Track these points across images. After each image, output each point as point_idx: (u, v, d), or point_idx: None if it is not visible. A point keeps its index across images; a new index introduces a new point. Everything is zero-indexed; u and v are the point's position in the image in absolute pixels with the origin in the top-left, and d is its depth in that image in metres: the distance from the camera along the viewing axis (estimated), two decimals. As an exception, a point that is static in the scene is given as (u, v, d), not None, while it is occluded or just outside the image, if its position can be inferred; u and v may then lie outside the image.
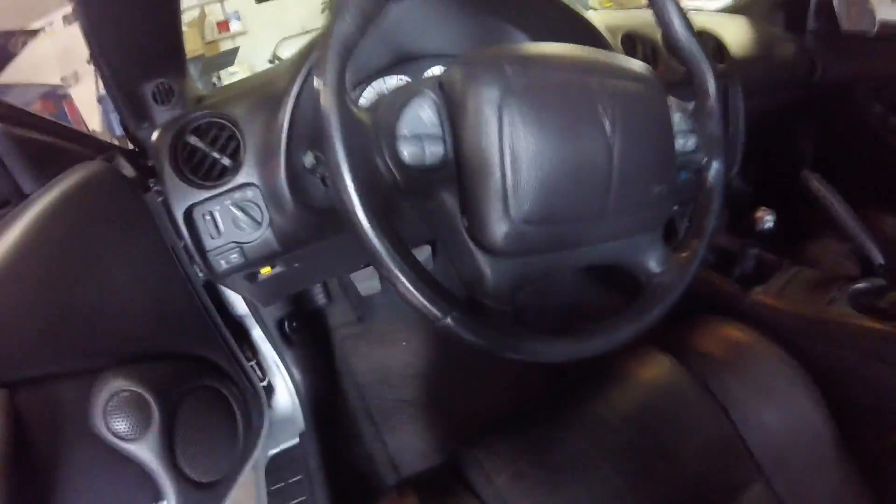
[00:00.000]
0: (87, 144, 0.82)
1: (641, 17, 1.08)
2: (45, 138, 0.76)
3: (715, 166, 0.70)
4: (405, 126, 0.57)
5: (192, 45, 4.31)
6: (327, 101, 0.51)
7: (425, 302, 0.52)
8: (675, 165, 0.67)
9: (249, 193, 0.76)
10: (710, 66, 0.69)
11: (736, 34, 1.27)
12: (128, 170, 0.73)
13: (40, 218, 0.63)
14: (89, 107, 4.28)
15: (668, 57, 1.08)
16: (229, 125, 0.77)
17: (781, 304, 1.10)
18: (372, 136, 0.57)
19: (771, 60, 1.34)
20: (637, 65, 0.64)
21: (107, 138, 0.89)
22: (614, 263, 0.68)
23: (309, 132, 0.73)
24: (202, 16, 4.78)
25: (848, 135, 1.48)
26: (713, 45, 1.22)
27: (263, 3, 5.30)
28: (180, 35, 0.77)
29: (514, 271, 0.59)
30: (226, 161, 0.76)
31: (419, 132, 0.57)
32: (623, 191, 0.59)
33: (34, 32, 3.61)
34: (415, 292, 0.51)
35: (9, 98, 3.21)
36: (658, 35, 1.08)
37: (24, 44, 3.53)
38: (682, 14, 0.68)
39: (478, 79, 0.55)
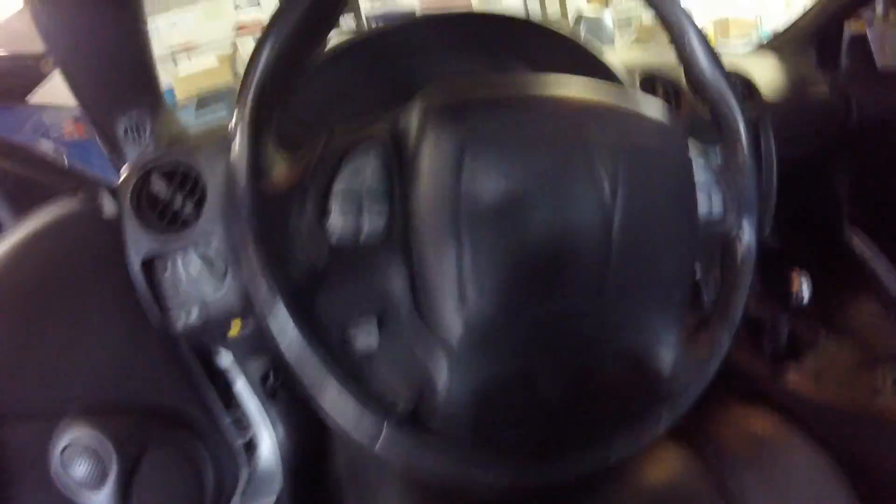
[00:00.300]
0: (72, 180, 0.79)
1: (667, 56, 0.99)
2: (26, 171, 0.73)
3: (746, 233, 0.56)
4: (342, 182, 0.46)
5: (223, 78, 4.43)
6: (236, 152, 0.42)
7: (350, 421, 0.42)
8: (697, 234, 0.54)
9: (214, 245, 0.66)
10: (741, 108, 0.57)
11: (765, 73, 1.16)
12: (109, 209, 0.69)
13: (11, 255, 0.62)
14: None
15: (693, 99, 0.99)
16: (196, 169, 0.69)
17: (817, 392, 0.96)
18: (296, 194, 0.46)
19: (804, 101, 1.22)
20: (652, 106, 0.52)
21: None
22: (611, 363, 0.55)
23: None
24: (234, 50, 4.95)
25: (889, 183, 1.35)
26: (742, 86, 1.09)
27: (296, 41, 5.47)
28: (151, 66, 0.73)
29: (476, 377, 0.47)
30: (188, 209, 0.68)
31: (359, 191, 0.46)
32: (625, 269, 0.48)
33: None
34: (337, 407, 0.40)
35: (41, 118, 3.32)
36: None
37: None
38: (708, 47, 0.57)
39: (437, 125, 0.44)
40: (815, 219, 1.47)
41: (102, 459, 0.57)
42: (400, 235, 0.47)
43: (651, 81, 0.92)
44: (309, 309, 0.43)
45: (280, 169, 0.46)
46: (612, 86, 0.55)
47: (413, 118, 0.46)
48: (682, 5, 0.59)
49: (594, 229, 0.46)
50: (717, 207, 0.58)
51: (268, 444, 1.02)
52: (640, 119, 0.50)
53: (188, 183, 0.68)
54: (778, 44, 1.36)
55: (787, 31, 1.33)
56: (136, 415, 0.64)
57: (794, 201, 1.40)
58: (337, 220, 0.46)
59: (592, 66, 0.82)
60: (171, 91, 4.54)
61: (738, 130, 0.57)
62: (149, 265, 0.67)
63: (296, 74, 0.47)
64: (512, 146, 0.43)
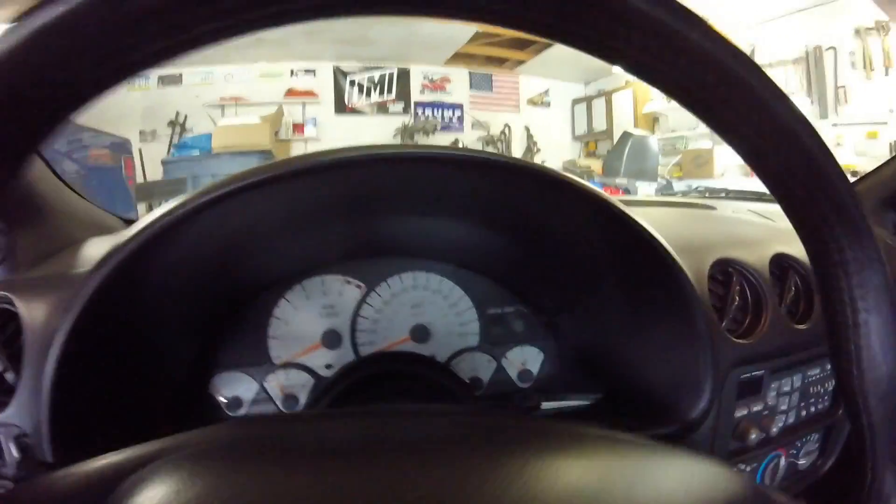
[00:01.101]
0: None
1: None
2: None
3: None
4: None
5: (262, 140, 4.45)
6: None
7: None
8: None
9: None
10: None
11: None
12: None
13: None
14: (157, 165, 4.62)
15: None
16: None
17: None
18: None
19: None
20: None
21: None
22: None
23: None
24: (279, 113, 5.04)
25: None
26: None
27: (342, 116, 5.62)
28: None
29: None
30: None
31: None
32: None
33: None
34: None
35: (80, 139, 3.29)
36: None
37: None
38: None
39: None
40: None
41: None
42: None
43: (782, 266, 0.62)
44: None
45: None
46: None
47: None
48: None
49: None
50: None
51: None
52: None
53: (7, 331, 0.49)
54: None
55: (861, 181, 0.99)
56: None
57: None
58: None
59: (629, 237, 0.49)
60: (208, 136, 4.58)
61: None
62: None
63: None
64: None
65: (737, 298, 0.56)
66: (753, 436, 0.53)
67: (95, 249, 0.41)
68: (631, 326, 0.56)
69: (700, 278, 0.52)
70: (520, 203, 0.52)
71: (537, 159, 5.59)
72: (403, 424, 0.24)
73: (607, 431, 0.27)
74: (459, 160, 0.43)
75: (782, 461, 0.59)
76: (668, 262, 0.47)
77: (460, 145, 5.36)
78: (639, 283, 0.52)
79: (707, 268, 0.54)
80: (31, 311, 0.46)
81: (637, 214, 0.46)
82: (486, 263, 0.68)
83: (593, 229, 0.51)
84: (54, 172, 0.69)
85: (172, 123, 4.92)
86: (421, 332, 0.67)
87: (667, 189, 3.29)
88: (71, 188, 0.72)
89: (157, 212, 0.39)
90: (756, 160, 0.26)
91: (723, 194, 1.17)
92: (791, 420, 0.59)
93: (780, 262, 0.60)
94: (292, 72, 5.31)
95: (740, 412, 0.54)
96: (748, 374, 0.54)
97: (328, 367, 0.65)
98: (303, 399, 0.64)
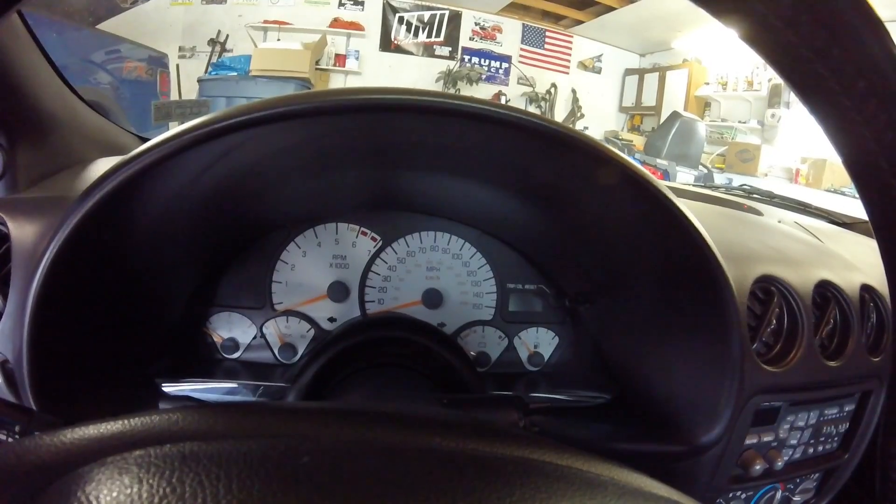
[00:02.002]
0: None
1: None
2: None
3: None
4: None
5: (301, 66, 4.37)
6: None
7: None
8: None
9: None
10: None
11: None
12: None
13: None
14: (193, 82, 4.61)
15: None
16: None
17: None
18: None
19: None
20: None
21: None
22: None
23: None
24: (322, 42, 4.93)
25: None
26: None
27: (385, 53, 5.48)
28: (2, 88, 0.56)
29: None
30: None
31: None
32: None
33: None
34: None
35: (118, 50, 3.26)
36: None
37: (135, 3, 3.66)
38: None
39: None
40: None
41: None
42: None
43: (824, 294, 0.57)
44: None
45: None
46: None
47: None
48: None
49: None
50: None
51: None
52: None
53: None
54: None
55: None
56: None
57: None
58: None
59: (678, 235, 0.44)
60: (248, 58, 4.51)
61: None
62: None
63: None
64: None
65: (774, 322, 0.52)
66: (758, 466, 0.51)
67: (100, 170, 0.38)
68: (658, 330, 0.52)
69: (741, 293, 0.47)
70: (560, 175, 0.47)
71: (579, 125, 5.42)
72: (379, 457, 0.21)
73: (615, 474, 0.23)
74: (501, 119, 0.38)
75: (778, 494, 0.57)
76: (714, 270, 0.42)
77: (503, 99, 5.21)
78: (676, 285, 0.48)
79: (750, 282, 0.50)
80: (22, 233, 0.44)
81: (687, 209, 0.41)
82: (514, 234, 0.64)
83: (635, 216, 0.46)
84: (67, 84, 0.65)
85: (213, 42, 4.85)
86: (433, 297, 0.64)
87: (707, 180, 3.16)
88: (86, 102, 0.70)
89: (163, 136, 0.36)
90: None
91: (768, 198, 1.10)
92: (797, 456, 0.56)
93: (824, 290, 0.56)
94: (340, 1, 5.15)
95: (750, 440, 0.51)
96: (767, 404, 0.50)
97: (331, 320, 0.63)
98: (301, 350, 0.62)
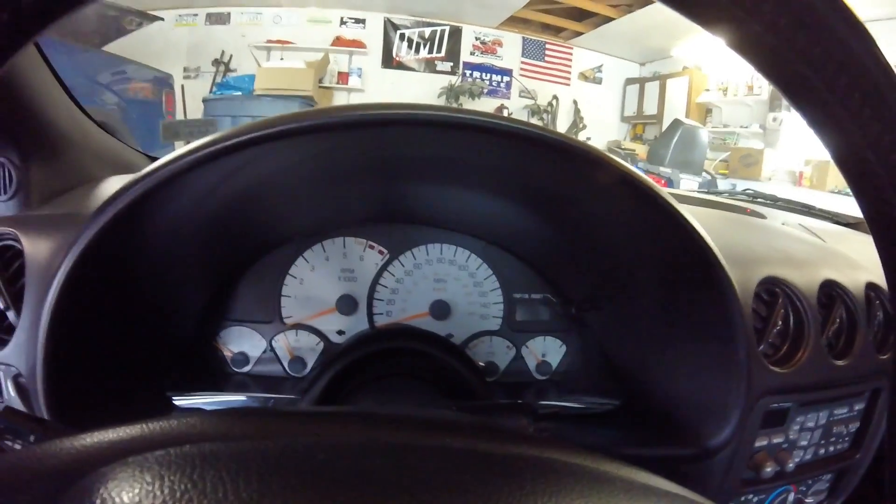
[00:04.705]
0: None
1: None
2: None
3: None
4: None
5: (305, 84, 4.42)
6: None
7: None
8: None
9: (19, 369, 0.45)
10: None
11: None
12: None
13: None
14: (198, 102, 4.61)
15: None
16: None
17: None
18: None
19: None
20: None
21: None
22: None
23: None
24: (325, 60, 4.99)
25: None
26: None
27: (388, 69, 5.53)
28: (15, 108, 0.57)
29: None
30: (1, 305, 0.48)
31: None
32: None
33: (152, 17, 3.76)
34: None
35: (123, 71, 3.31)
36: None
37: (140, 24, 3.72)
38: None
39: None
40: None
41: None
42: None
43: (829, 294, 0.57)
44: None
45: None
46: None
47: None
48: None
49: None
50: None
51: None
52: None
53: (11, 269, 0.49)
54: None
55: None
56: None
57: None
58: None
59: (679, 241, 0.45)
60: (251, 77, 4.57)
61: None
62: None
63: None
64: None
65: (780, 323, 0.52)
66: (769, 468, 0.50)
67: (111, 188, 0.39)
68: (663, 335, 0.52)
69: (746, 295, 0.48)
70: (563, 183, 0.48)
71: (582, 136, 5.44)
72: (392, 455, 0.21)
73: (623, 471, 0.24)
74: (505, 131, 0.39)
75: (791, 496, 0.56)
76: (717, 272, 0.43)
77: (505, 112, 5.24)
78: (679, 288, 0.48)
79: (754, 284, 0.50)
80: (36, 250, 0.45)
81: (687, 212, 0.42)
82: (519, 244, 0.64)
83: (637, 221, 0.47)
84: (77, 104, 0.67)
85: (217, 62, 4.93)
86: (441, 309, 0.65)
87: (711, 186, 3.15)
88: (95, 122, 0.71)
89: (173, 154, 0.37)
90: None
91: (771, 201, 1.10)
92: (808, 457, 0.56)
93: (829, 290, 0.56)
94: (342, 20, 5.22)
95: (760, 442, 0.51)
96: (776, 405, 0.50)
97: (340, 333, 0.64)
98: (310, 363, 0.63)
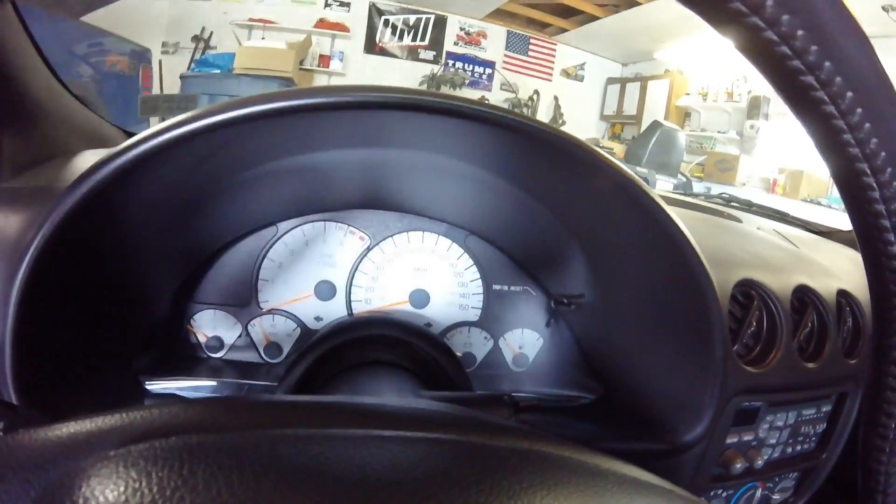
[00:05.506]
0: None
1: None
2: None
3: None
4: None
5: (285, 66, 4.33)
6: None
7: None
8: None
9: None
10: None
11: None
12: None
13: None
14: (176, 78, 4.47)
15: None
16: None
17: None
18: None
19: None
20: None
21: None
22: None
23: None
24: (307, 42, 4.89)
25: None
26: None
27: (370, 55, 5.46)
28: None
29: None
30: None
31: None
32: None
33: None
34: None
35: (100, 43, 3.20)
36: None
37: None
38: None
39: None
40: None
41: None
42: None
43: (802, 299, 0.58)
44: None
45: None
46: None
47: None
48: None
49: None
50: None
51: None
52: None
53: None
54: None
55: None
56: None
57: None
58: None
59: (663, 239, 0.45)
60: (231, 56, 4.45)
61: None
62: None
63: None
64: None
65: (754, 324, 0.53)
66: (738, 465, 0.52)
67: (86, 162, 0.37)
68: (641, 332, 0.53)
69: (723, 296, 0.48)
70: (547, 177, 0.48)
71: (561, 133, 5.45)
72: (378, 445, 0.21)
73: (613, 465, 0.24)
74: (493, 119, 0.38)
75: (758, 493, 0.58)
76: (697, 272, 0.43)
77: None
78: (659, 285, 0.49)
79: (731, 286, 0.51)
80: (5, 224, 0.43)
81: (672, 212, 0.42)
82: (501, 236, 0.64)
83: (621, 219, 0.47)
84: (55, 74, 0.64)
85: (197, 38, 4.78)
86: (420, 298, 0.64)
87: (686, 188, 3.21)
88: (72, 93, 0.68)
89: (154, 128, 0.35)
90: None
91: (746, 206, 1.13)
92: (776, 455, 0.58)
93: (802, 295, 0.57)
94: (327, 2, 5.11)
95: (731, 439, 0.52)
96: (747, 404, 0.52)
97: (318, 319, 0.63)
98: (286, 349, 0.62)
